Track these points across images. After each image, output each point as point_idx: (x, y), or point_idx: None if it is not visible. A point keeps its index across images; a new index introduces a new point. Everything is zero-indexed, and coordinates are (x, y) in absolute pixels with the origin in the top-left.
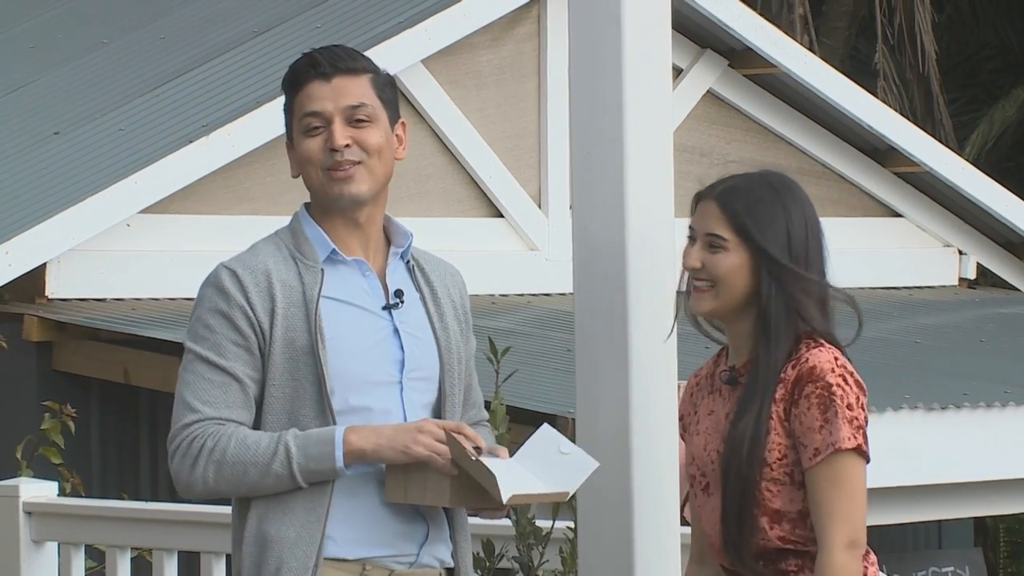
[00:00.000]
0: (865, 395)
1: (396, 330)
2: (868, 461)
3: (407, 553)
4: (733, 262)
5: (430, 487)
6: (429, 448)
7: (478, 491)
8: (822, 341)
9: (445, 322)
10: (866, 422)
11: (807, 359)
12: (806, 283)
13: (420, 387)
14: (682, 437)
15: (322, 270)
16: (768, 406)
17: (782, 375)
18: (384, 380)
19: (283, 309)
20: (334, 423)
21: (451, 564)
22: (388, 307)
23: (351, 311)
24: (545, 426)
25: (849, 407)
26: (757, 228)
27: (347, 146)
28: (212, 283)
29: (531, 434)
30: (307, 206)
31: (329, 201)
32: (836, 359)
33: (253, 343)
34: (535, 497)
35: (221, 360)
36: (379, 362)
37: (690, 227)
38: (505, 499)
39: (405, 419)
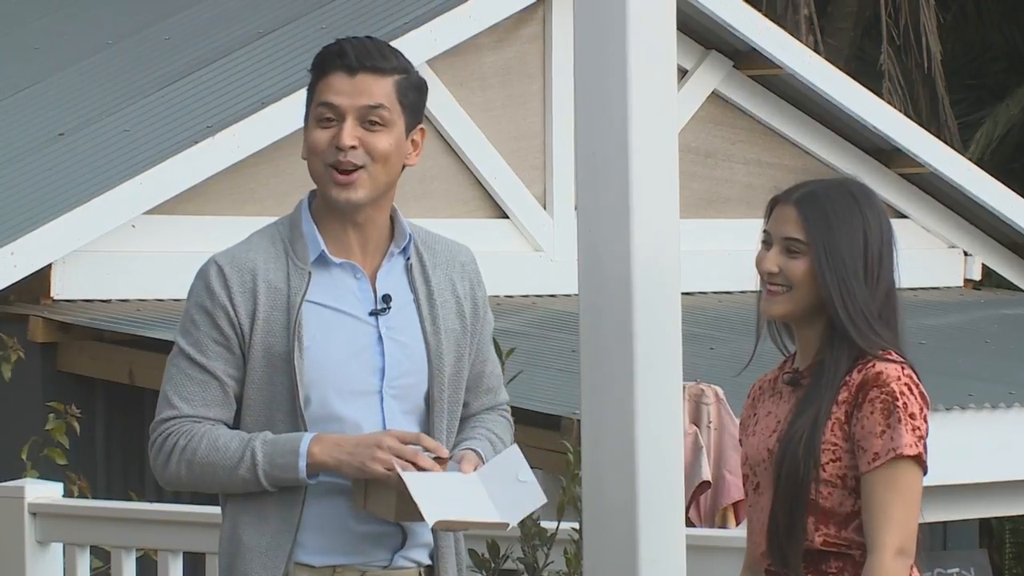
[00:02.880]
0: (928, 408)
1: (380, 337)
2: (925, 473)
3: (379, 559)
4: (809, 267)
5: (381, 500)
6: (386, 465)
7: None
8: (891, 352)
9: (438, 325)
10: (927, 434)
11: (874, 365)
12: (874, 291)
13: (403, 395)
14: (740, 442)
15: (310, 273)
16: (828, 407)
17: (847, 378)
18: (363, 389)
19: (264, 312)
20: (305, 429)
21: (428, 563)
22: (375, 312)
23: (335, 317)
24: (513, 447)
25: (912, 416)
26: (834, 235)
27: (353, 147)
28: (201, 276)
29: (504, 451)
30: (311, 196)
31: (330, 200)
32: (903, 368)
33: (234, 343)
34: (466, 524)
35: (202, 358)
36: (359, 371)
37: (765, 231)
38: (430, 523)
39: (384, 428)
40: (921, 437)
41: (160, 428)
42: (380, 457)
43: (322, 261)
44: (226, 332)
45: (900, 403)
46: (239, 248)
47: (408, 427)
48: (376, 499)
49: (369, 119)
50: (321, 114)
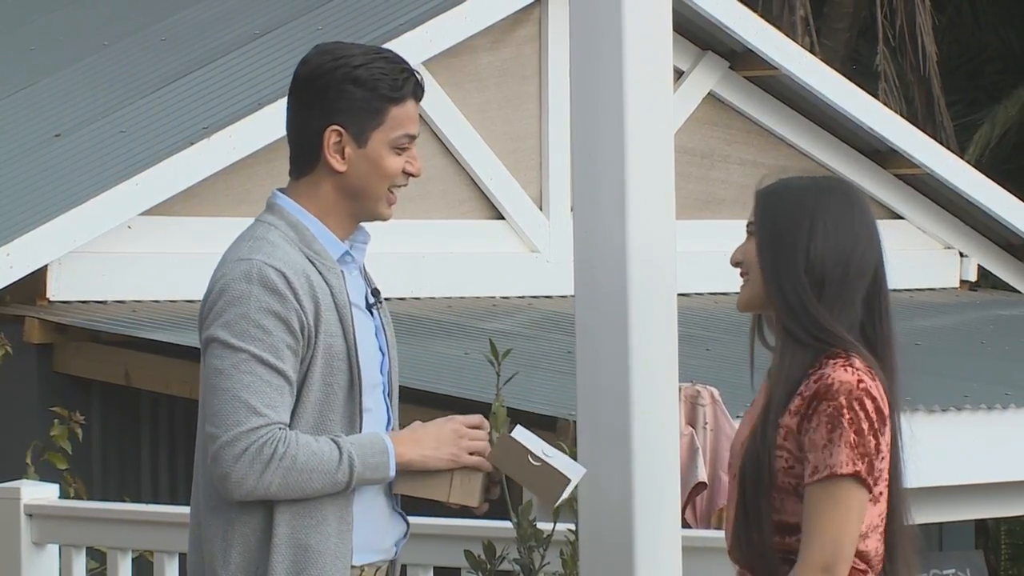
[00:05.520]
0: (885, 424)
1: (376, 331)
2: (870, 490)
3: (390, 552)
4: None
5: (457, 487)
6: (476, 451)
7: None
8: (854, 360)
9: (388, 316)
10: (877, 451)
11: (828, 376)
12: (829, 283)
13: (389, 385)
14: None
15: (341, 272)
16: (776, 414)
17: (802, 388)
18: (376, 382)
19: (324, 314)
20: (360, 427)
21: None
22: (370, 307)
23: (359, 314)
24: (517, 428)
25: (858, 432)
26: (777, 215)
27: None
28: (260, 282)
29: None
30: (288, 195)
31: (371, 215)
32: (859, 382)
33: (301, 346)
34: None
35: (279, 363)
36: (375, 365)
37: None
38: (569, 492)
39: (389, 418)
40: (865, 455)
41: (251, 437)
42: (467, 446)
43: (341, 259)
44: (297, 336)
45: (846, 418)
46: (277, 251)
47: (388, 415)
48: (439, 484)
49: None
50: (402, 144)
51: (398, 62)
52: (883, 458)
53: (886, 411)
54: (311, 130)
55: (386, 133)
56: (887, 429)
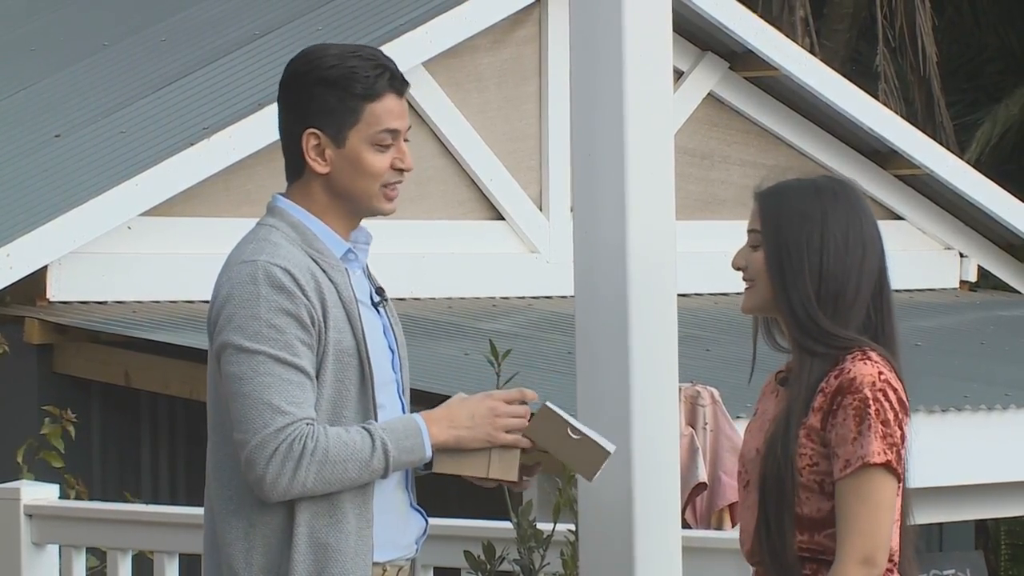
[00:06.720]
0: (907, 414)
1: (384, 327)
2: (899, 480)
3: (412, 549)
4: (765, 258)
5: (496, 462)
6: (511, 429)
7: (542, 463)
8: (870, 354)
9: (395, 314)
10: (903, 440)
11: (849, 370)
12: (836, 288)
13: (402, 381)
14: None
15: (346, 270)
16: (799, 413)
17: (823, 384)
18: (388, 379)
19: (331, 311)
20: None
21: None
22: (376, 305)
23: (366, 310)
24: (544, 406)
25: (884, 423)
26: (784, 226)
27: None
28: (266, 282)
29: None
30: (290, 198)
31: (369, 212)
32: (880, 374)
33: (314, 342)
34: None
35: (296, 359)
36: (385, 361)
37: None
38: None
39: (403, 414)
40: (893, 444)
41: (279, 437)
42: (502, 424)
43: (344, 257)
44: (310, 331)
45: (872, 409)
46: (281, 251)
47: (404, 412)
48: (479, 461)
49: (405, 137)
50: (382, 140)
51: (372, 58)
52: (905, 448)
53: (907, 401)
54: (292, 135)
55: (363, 131)
56: (908, 420)
